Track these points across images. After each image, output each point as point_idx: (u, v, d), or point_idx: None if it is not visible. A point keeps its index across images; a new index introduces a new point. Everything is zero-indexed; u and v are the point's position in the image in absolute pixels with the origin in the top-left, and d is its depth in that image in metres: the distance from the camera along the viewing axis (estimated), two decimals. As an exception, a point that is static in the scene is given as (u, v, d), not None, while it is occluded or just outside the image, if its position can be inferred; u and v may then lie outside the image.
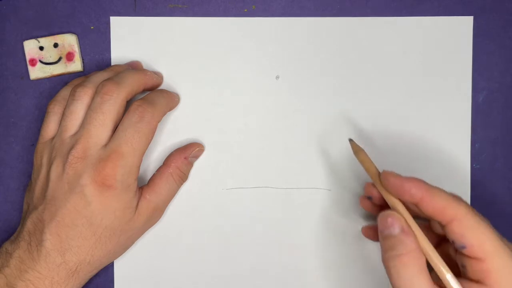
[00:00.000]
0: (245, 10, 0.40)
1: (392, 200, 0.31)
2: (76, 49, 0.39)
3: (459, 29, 0.40)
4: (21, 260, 0.33)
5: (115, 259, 0.38)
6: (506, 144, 0.40)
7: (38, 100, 0.40)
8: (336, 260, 0.40)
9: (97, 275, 0.37)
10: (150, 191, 0.36)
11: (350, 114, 0.40)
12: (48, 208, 0.34)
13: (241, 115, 0.40)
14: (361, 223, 0.40)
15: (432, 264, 0.29)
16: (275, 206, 0.40)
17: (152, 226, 0.38)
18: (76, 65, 0.39)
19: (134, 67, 0.39)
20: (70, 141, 0.34)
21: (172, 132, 0.40)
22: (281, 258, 0.40)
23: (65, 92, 0.37)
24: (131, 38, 0.40)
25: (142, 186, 0.37)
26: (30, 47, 0.39)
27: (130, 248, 0.38)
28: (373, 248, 0.40)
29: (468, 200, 0.40)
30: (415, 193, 0.30)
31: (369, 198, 0.34)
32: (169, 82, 0.40)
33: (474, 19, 0.40)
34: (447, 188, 0.34)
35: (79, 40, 0.40)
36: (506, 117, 0.40)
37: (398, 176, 0.31)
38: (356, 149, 0.34)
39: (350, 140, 0.35)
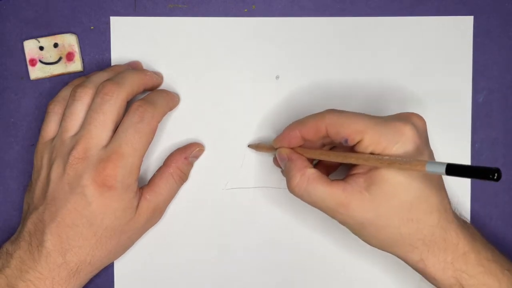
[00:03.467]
0: (245, 10, 0.40)
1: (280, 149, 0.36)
2: (76, 49, 0.39)
3: (459, 29, 0.40)
4: (21, 261, 0.33)
5: (115, 259, 0.38)
6: (506, 144, 0.40)
7: (38, 100, 0.40)
8: (336, 259, 0.40)
9: (97, 275, 0.37)
10: (151, 191, 0.36)
11: (350, 114, 0.40)
12: (49, 208, 0.34)
13: (241, 115, 0.40)
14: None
15: (331, 159, 0.34)
16: (275, 206, 0.40)
17: (152, 226, 0.38)
18: (76, 65, 0.39)
19: (134, 67, 0.39)
20: (71, 141, 0.34)
21: (172, 132, 0.40)
22: (281, 257, 0.40)
23: (65, 93, 0.36)
24: (131, 38, 0.40)
25: (143, 186, 0.37)
26: (30, 47, 0.39)
27: (130, 248, 0.38)
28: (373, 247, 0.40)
29: (468, 201, 0.40)
30: (292, 131, 0.34)
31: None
32: (169, 82, 0.40)
33: (474, 19, 0.40)
34: (448, 188, 0.34)
35: (79, 40, 0.40)
36: (506, 117, 0.40)
37: (279, 136, 0.36)
38: (255, 147, 0.39)
39: (249, 146, 0.40)
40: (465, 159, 0.40)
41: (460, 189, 0.39)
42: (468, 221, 0.35)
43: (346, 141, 0.32)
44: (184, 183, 0.39)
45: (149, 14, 0.40)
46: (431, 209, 0.32)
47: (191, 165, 0.39)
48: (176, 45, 0.40)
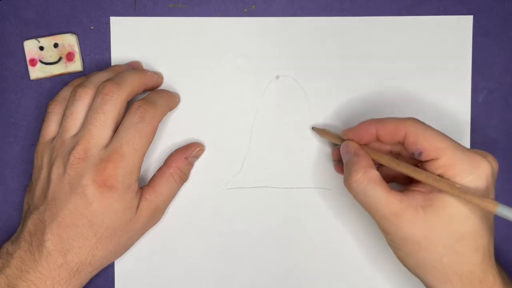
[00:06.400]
0: (245, 10, 0.40)
1: (349, 141, 0.35)
2: (76, 49, 0.39)
3: (459, 29, 0.40)
4: (22, 261, 0.33)
5: (115, 259, 0.38)
6: (506, 144, 0.40)
7: (38, 100, 0.40)
8: (336, 259, 0.40)
9: (97, 275, 0.37)
10: (151, 191, 0.36)
11: (350, 114, 0.40)
12: (49, 208, 0.34)
13: (241, 115, 0.40)
14: (361, 223, 0.40)
15: (399, 169, 0.32)
16: (275, 206, 0.40)
17: (152, 226, 0.38)
18: (76, 65, 0.39)
19: (134, 67, 0.39)
20: (71, 141, 0.34)
21: (172, 132, 0.40)
22: (281, 257, 0.40)
23: (65, 93, 0.37)
24: (131, 38, 0.40)
25: (143, 186, 0.37)
26: (30, 47, 0.39)
27: (130, 248, 0.38)
28: (373, 247, 0.40)
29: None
30: (368, 127, 0.34)
31: (340, 161, 0.38)
32: (169, 82, 0.40)
33: (474, 19, 0.40)
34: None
35: (79, 40, 0.40)
36: (506, 117, 0.40)
37: (351, 129, 0.35)
38: (320, 132, 0.39)
39: (313, 129, 0.39)
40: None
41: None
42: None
43: (420, 154, 0.31)
44: (184, 183, 0.39)
45: (149, 14, 0.40)
46: (478, 248, 0.31)
47: (191, 165, 0.39)
48: (176, 45, 0.40)
